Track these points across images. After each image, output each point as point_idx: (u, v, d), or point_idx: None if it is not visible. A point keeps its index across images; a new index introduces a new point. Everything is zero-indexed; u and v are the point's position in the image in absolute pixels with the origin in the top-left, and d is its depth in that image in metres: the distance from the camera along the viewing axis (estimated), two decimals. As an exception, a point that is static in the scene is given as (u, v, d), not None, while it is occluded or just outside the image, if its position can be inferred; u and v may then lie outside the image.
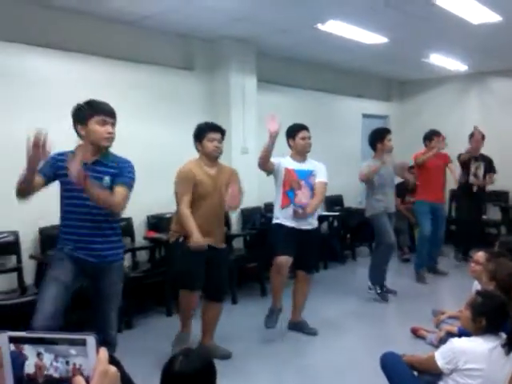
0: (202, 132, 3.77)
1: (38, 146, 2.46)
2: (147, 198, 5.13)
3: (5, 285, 4.32)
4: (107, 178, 2.89)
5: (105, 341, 2.97)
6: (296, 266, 4.41)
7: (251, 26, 5.49)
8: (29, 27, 4.58)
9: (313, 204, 4.29)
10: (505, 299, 2.66)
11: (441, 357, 2.53)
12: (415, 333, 4.31)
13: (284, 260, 4.21)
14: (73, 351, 0.77)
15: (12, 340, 0.79)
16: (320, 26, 5.49)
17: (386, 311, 5.23)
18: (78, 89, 4.80)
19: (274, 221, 4.39)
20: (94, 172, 2.83)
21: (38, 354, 0.78)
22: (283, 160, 4.37)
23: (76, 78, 4.85)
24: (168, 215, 5.43)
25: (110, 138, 2.90)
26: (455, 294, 3.96)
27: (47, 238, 4.48)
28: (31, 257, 4.47)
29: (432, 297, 5.57)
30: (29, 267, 4.44)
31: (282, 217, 4.31)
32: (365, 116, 8.85)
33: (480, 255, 3.52)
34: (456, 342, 2.56)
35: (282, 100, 7.09)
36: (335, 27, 5.54)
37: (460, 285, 3.99)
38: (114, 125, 2.93)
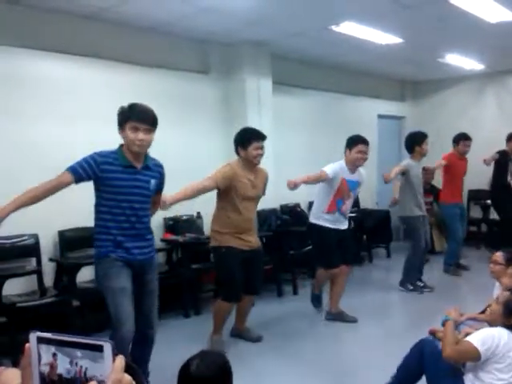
0: (249, 139, 3.86)
1: None
2: (164, 201, 5.16)
3: (25, 287, 4.39)
4: (153, 182, 3.02)
5: (146, 337, 3.15)
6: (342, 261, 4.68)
7: (266, 29, 5.51)
8: (50, 34, 4.65)
9: None
10: None
11: (480, 343, 2.45)
12: (433, 334, 4.27)
13: (338, 270, 4.61)
14: (78, 353, 0.78)
15: (39, 340, 0.81)
16: (334, 28, 5.49)
17: (403, 312, 5.21)
18: (96, 93, 4.87)
19: (317, 221, 4.57)
20: (144, 176, 2.97)
21: (54, 355, 0.80)
22: (341, 168, 4.52)
23: (96, 83, 4.91)
24: (185, 217, 5.48)
25: (142, 145, 2.92)
26: (475, 294, 3.93)
27: (66, 240, 4.55)
28: (51, 259, 4.54)
29: (451, 297, 5.52)
30: (48, 269, 4.50)
31: (325, 219, 4.53)
32: (380, 117, 8.82)
33: (498, 255, 3.49)
34: (493, 329, 2.55)
35: (298, 102, 7.10)
36: (350, 28, 5.53)
37: (481, 286, 3.95)
38: (148, 131, 2.93)
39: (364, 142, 4.58)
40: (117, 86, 5.09)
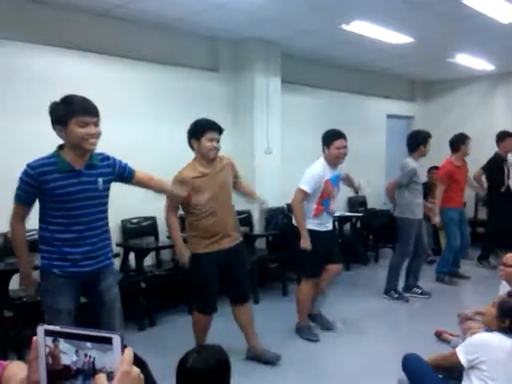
0: (202, 129, 3.54)
1: None
2: (171, 198, 5.17)
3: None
4: (100, 180, 2.73)
5: None
6: (326, 261, 4.37)
7: (276, 27, 5.50)
8: (62, 30, 4.67)
9: None
10: None
11: (463, 350, 2.51)
12: (439, 336, 4.26)
13: (318, 280, 4.35)
14: (88, 344, 0.79)
15: (47, 333, 0.82)
16: (345, 27, 5.47)
17: (409, 313, 5.18)
18: (107, 90, 4.88)
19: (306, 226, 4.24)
20: (89, 177, 2.68)
21: (54, 341, 0.80)
22: (323, 170, 4.22)
23: (104, 79, 4.93)
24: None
25: (94, 140, 2.64)
26: (480, 296, 3.90)
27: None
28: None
29: (456, 299, 5.50)
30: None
31: (312, 223, 4.25)
32: (389, 117, 8.78)
33: (509, 257, 3.47)
34: (477, 335, 2.56)
35: (306, 101, 7.09)
36: (360, 27, 5.51)
37: (485, 287, 3.93)
38: (96, 124, 2.64)
39: (341, 136, 4.24)
40: (126, 82, 5.12)
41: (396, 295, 5.49)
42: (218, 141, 3.61)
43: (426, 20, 5.32)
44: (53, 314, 2.67)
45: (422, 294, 5.58)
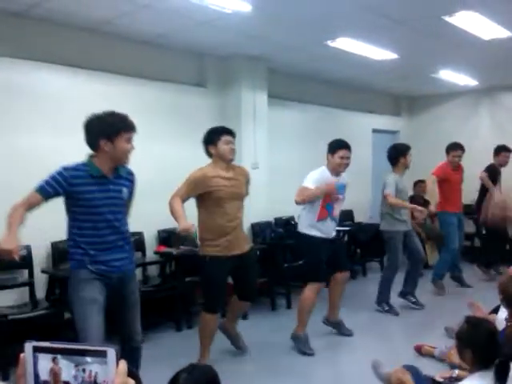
0: (218, 134, 3.73)
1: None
2: (158, 213, 5.14)
3: (17, 299, 4.35)
4: (125, 190, 2.92)
5: (132, 348, 3.06)
6: (334, 270, 4.53)
7: (262, 43, 5.55)
8: (48, 46, 4.67)
9: None
10: (493, 327, 2.45)
11: None
12: (419, 350, 4.23)
13: (324, 285, 4.44)
14: (88, 359, 0.79)
15: (36, 350, 0.81)
16: (330, 43, 5.54)
17: (396, 327, 5.18)
18: (93, 105, 4.86)
19: (308, 231, 4.36)
20: (115, 185, 2.86)
21: (54, 359, 0.80)
22: (323, 176, 4.34)
23: (90, 94, 4.91)
24: (178, 229, 5.46)
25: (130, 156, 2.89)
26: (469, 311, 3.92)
27: (59, 252, 4.51)
28: (43, 271, 4.50)
29: (445, 312, 5.50)
30: (40, 281, 4.47)
31: (316, 229, 4.34)
32: (375, 131, 8.87)
33: None
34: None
35: (293, 116, 7.14)
36: (345, 44, 5.59)
37: (480, 301, 3.93)
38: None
39: (346, 147, 4.41)
40: (113, 97, 5.09)
41: (387, 308, 5.50)
42: (234, 143, 3.79)
43: (410, 37, 5.41)
44: (82, 304, 2.76)
45: (415, 303, 5.60)
